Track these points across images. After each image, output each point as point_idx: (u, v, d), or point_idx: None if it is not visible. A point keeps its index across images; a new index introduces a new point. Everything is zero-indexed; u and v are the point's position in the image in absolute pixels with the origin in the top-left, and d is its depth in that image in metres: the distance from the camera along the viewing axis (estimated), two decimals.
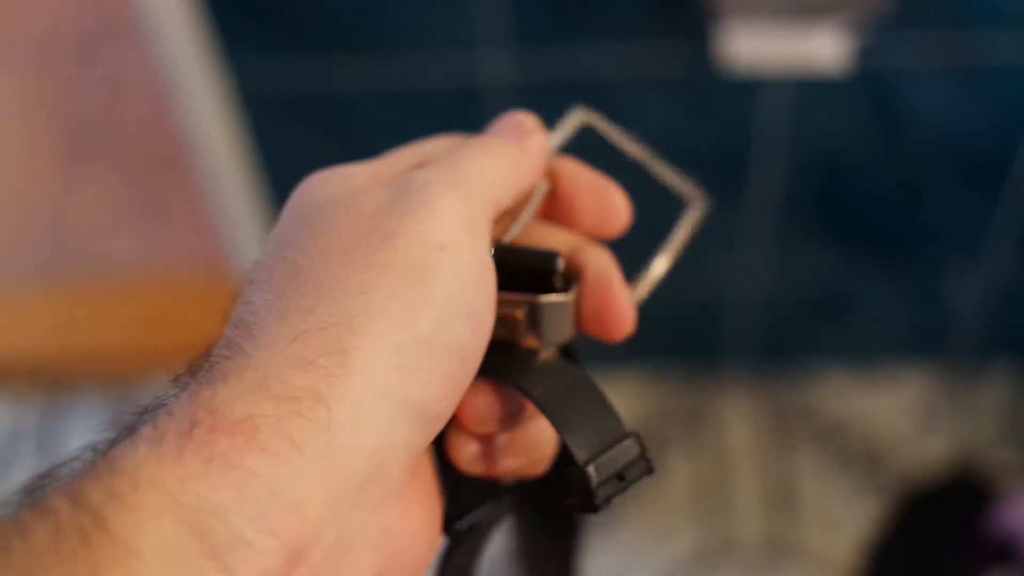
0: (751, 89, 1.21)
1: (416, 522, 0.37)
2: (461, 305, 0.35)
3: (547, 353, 0.41)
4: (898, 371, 1.65)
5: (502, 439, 0.41)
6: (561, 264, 0.40)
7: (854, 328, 1.59)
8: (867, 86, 1.21)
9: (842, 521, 1.53)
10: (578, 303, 0.42)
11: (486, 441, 0.41)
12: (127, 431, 0.32)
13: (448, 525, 0.40)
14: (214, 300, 1.56)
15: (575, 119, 0.46)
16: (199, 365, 0.34)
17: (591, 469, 0.36)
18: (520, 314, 0.40)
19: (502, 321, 0.40)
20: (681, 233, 0.47)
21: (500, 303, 0.39)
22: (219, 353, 0.34)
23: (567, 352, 0.43)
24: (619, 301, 0.41)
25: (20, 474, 1.59)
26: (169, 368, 0.36)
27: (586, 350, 0.45)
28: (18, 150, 1.94)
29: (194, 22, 1.15)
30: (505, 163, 0.40)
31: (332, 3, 1.15)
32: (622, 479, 0.37)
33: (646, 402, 1.64)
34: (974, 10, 1.14)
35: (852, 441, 1.60)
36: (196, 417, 0.31)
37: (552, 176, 0.44)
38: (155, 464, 0.30)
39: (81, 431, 1.64)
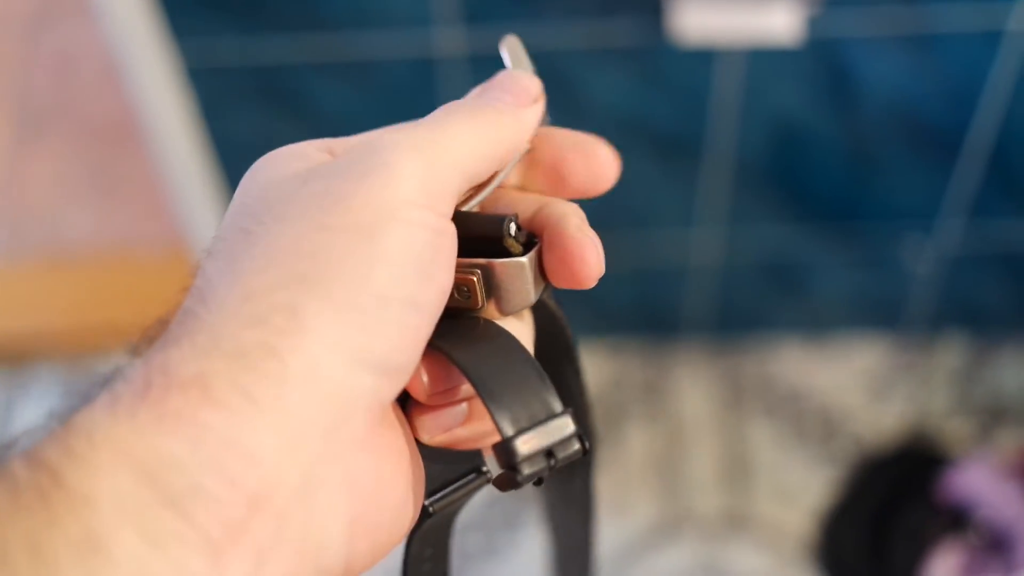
0: (704, 60, 1.21)
1: (388, 469, 0.37)
2: (414, 263, 0.35)
3: (504, 319, 0.40)
4: (852, 341, 1.66)
5: (459, 411, 0.40)
6: (512, 226, 0.39)
7: (809, 299, 1.60)
8: (819, 56, 1.22)
9: (798, 490, 1.54)
10: (540, 262, 0.40)
11: (442, 413, 0.40)
12: (84, 398, 0.32)
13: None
14: (169, 274, 1.55)
15: (513, 44, 0.45)
16: (155, 334, 0.34)
17: (516, 444, 0.35)
18: (475, 279, 0.39)
19: (460, 289, 0.39)
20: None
21: (457, 269, 0.38)
22: (173, 319, 0.34)
23: (545, 320, 0.43)
24: (578, 243, 0.39)
25: None
26: (126, 343, 0.36)
27: None
28: None
29: None
30: (493, 134, 0.39)
31: None
32: (551, 457, 0.36)
33: (603, 374, 1.65)
34: None
35: (807, 411, 1.61)
36: (150, 378, 0.31)
37: (532, 141, 0.42)
38: (111, 423, 0.30)
39: (39, 408, 1.63)
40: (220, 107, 1.28)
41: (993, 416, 1.60)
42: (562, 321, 0.43)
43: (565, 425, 0.36)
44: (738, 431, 1.60)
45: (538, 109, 0.42)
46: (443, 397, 0.39)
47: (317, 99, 1.27)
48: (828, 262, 1.53)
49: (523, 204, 0.42)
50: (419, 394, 0.39)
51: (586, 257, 0.39)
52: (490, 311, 0.40)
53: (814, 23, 1.16)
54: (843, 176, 1.39)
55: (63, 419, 0.32)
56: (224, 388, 0.31)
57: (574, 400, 0.44)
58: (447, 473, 0.41)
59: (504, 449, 0.35)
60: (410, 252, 0.35)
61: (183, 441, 0.30)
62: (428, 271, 0.35)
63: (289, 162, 0.37)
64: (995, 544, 1.40)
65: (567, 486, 0.49)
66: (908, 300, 1.59)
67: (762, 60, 1.21)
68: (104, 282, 1.73)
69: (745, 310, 1.62)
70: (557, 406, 0.36)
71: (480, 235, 0.39)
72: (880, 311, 1.63)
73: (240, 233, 0.35)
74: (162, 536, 0.29)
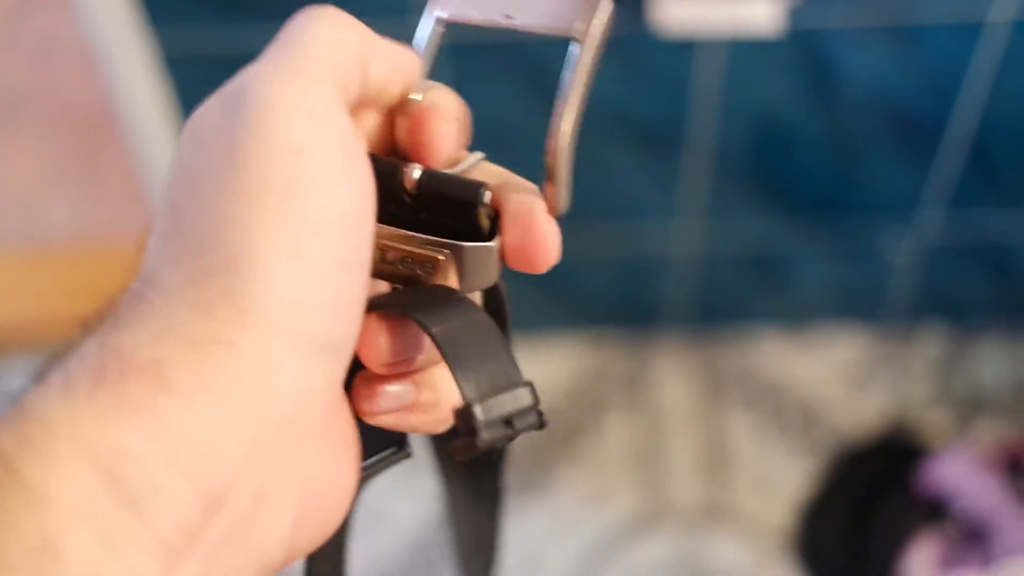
0: (684, 51, 1.21)
1: (334, 460, 0.37)
2: (337, 215, 0.34)
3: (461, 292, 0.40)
4: (832, 333, 1.66)
5: (405, 392, 0.40)
6: (487, 195, 0.39)
7: (789, 290, 1.60)
8: (800, 47, 1.22)
9: (777, 482, 1.54)
10: (501, 242, 0.40)
11: (397, 386, 0.40)
12: (40, 379, 0.32)
13: None
14: None
15: (430, 19, 0.45)
16: (106, 313, 0.34)
17: (477, 409, 0.35)
18: (442, 257, 0.39)
19: (423, 264, 0.40)
20: (580, 74, 0.41)
21: (423, 245, 0.39)
22: (124, 301, 0.33)
23: (491, 292, 0.43)
24: (545, 232, 0.39)
25: None
26: (78, 323, 0.36)
27: (525, 316, 0.44)
28: None
29: None
30: (354, 35, 0.38)
31: None
32: (510, 425, 0.36)
33: (583, 365, 1.65)
34: None
35: (787, 402, 1.61)
36: (104, 361, 0.31)
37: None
38: (67, 410, 0.30)
39: (12, 398, 1.62)
40: (199, 97, 1.25)
41: (972, 407, 1.61)
42: (506, 301, 0.44)
43: (525, 396, 0.37)
44: (718, 422, 1.60)
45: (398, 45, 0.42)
46: (395, 368, 0.39)
47: None
48: (808, 253, 1.53)
49: (481, 173, 0.41)
50: (372, 362, 0.38)
51: (550, 246, 0.39)
52: (447, 284, 0.40)
53: (795, 14, 1.16)
54: (823, 167, 1.39)
55: (18, 401, 0.31)
56: (180, 375, 0.31)
57: None
58: (367, 451, 0.41)
59: (465, 414, 0.35)
60: (327, 200, 0.34)
61: (141, 432, 0.30)
62: (349, 213, 0.34)
63: (200, 123, 0.36)
64: (973, 535, 1.41)
65: (478, 478, 0.50)
66: (888, 291, 1.59)
67: (743, 51, 1.21)
68: (81, 272, 1.72)
69: (726, 301, 1.62)
70: (519, 377, 0.37)
71: (451, 197, 0.39)
72: (860, 302, 1.64)
73: (169, 207, 0.34)
74: (117, 538, 0.29)
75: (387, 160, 0.40)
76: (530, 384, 0.37)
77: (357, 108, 0.39)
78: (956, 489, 1.43)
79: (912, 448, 1.54)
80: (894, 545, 1.43)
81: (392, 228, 0.39)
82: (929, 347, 1.66)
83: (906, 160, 1.37)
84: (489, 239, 0.40)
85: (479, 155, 0.42)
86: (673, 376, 1.64)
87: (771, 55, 1.22)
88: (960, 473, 1.44)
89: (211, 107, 0.36)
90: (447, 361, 0.36)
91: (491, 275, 0.40)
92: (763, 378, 1.64)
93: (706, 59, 1.22)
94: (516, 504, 1.50)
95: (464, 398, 0.36)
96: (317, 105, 0.34)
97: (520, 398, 0.37)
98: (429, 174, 0.39)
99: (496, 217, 0.40)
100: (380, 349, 0.38)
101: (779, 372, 1.64)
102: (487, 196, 0.39)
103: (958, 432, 1.58)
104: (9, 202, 1.81)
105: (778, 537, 1.50)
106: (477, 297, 0.43)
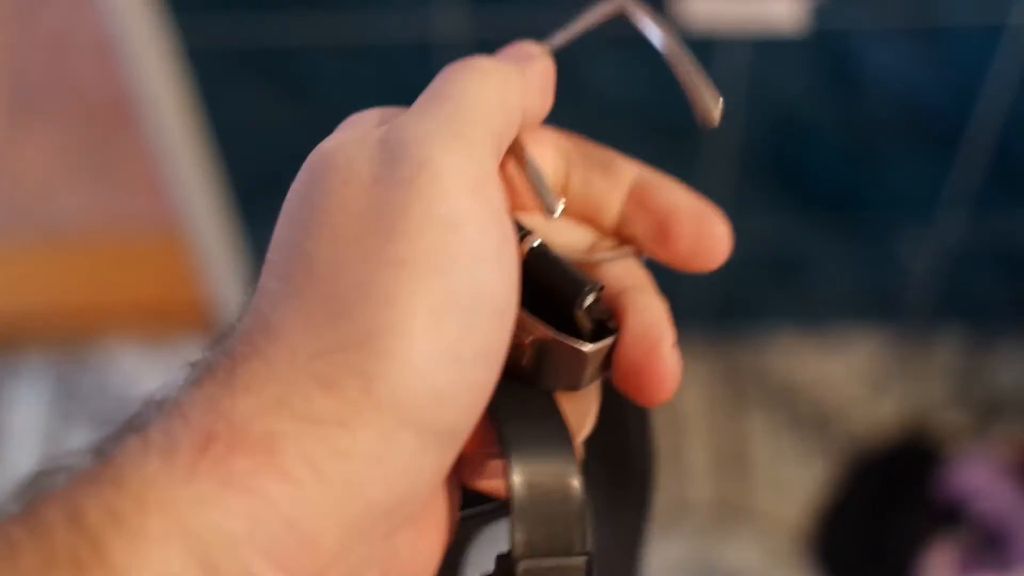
0: (707, 48, 1.20)
1: (426, 544, 0.35)
2: (486, 298, 0.32)
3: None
4: (850, 334, 1.66)
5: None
6: (589, 299, 0.35)
7: (807, 291, 1.60)
8: (823, 46, 1.21)
9: (793, 483, 1.54)
10: (609, 355, 0.36)
11: (494, 467, 0.37)
12: (134, 427, 0.30)
13: None
14: (163, 257, 1.53)
15: (608, 7, 0.42)
16: (217, 353, 0.32)
17: (521, 566, 0.33)
18: (527, 341, 0.35)
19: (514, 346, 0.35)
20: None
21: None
22: (238, 349, 0.31)
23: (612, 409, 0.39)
24: (666, 368, 0.35)
25: None
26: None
27: None
28: None
29: None
30: (499, 82, 0.35)
31: None
32: None
33: None
34: None
35: (804, 404, 1.61)
36: (213, 427, 0.29)
37: (638, 192, 0.39)
38: (165, 482, 0.28)
39: (28, 393, 1.63)
40: (217, 88, 1.27)
41: (990, 411, 1.60)
42: (632, 429, 0.40)
43: (576, 567, 0.34)
44: (734, 423, 1.60)
45: (542, 64, 0.39)
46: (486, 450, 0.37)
47: (315, 81, 1.26)
48: (827, 254, 1.53)
49: (612, 270, 0.38)
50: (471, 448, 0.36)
51: (666, 384, 0.36)
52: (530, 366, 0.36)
53: (818, 13, 1.16)
54: (844, 167, 1.39)
55: (108, 456, 0.29)
56: (293, 456, 0.29)
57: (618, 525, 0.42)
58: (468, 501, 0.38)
59: (503, 565, 0.33)
60: (480, 282, 0.32)
61: (243, 517, 0.28)
62: (499, 301, 0.32)
63: (344, 168, 0.33)
64: (991, 540, 1.41)
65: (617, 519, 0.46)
66: (907, 293, 1.59)
67: (765, 49, 1.20)
68: (97, 264, 1.73)
69: (743, 301, 1.62)
70: (581, 546, 0.34)
71: (550, 289, 0.35)
72: (879, 304, 1.63)
73: (296, 250, 0.32)
74: None
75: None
76: (588, 555, 0.34)
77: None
78: (973, 494, 1.42)
79: (929, 452, 1.53)
80: (911, 549, 1.43)
81: None
82: (947, 350, 1.65)
83: (927, 161, 1.37)
84: (592, 340, 0.35)
85: (629, 249, 0.38)
86: (689, 376, 1.64)
87: (793, 54, 1.22)
88: (978, 478, 1.43)
89: (359, 153, 0.33)
90: (509, 501, 0.33)
91: (579, 382, 0.36)
92: (780, 379, 1.63)
93: (728, 57, 1.21)
94: None
95: (511, 551, 0.33)
96: (477, 174, 0.32)
97: (570, 570, 0.34)
98: (540, 255, 0.36)
99: (609, 320, 0.36)
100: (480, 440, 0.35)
101: (796, 373, 1.64)
102: (588, 301, 0.35)
103: (976, 436, 1.58)
104: (25, 193, 1.81)
105: (794, 539, 1.50)
106: (593, 395, 0.38)
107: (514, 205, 0.38)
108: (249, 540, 0.27)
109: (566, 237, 0.39)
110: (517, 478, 0.33)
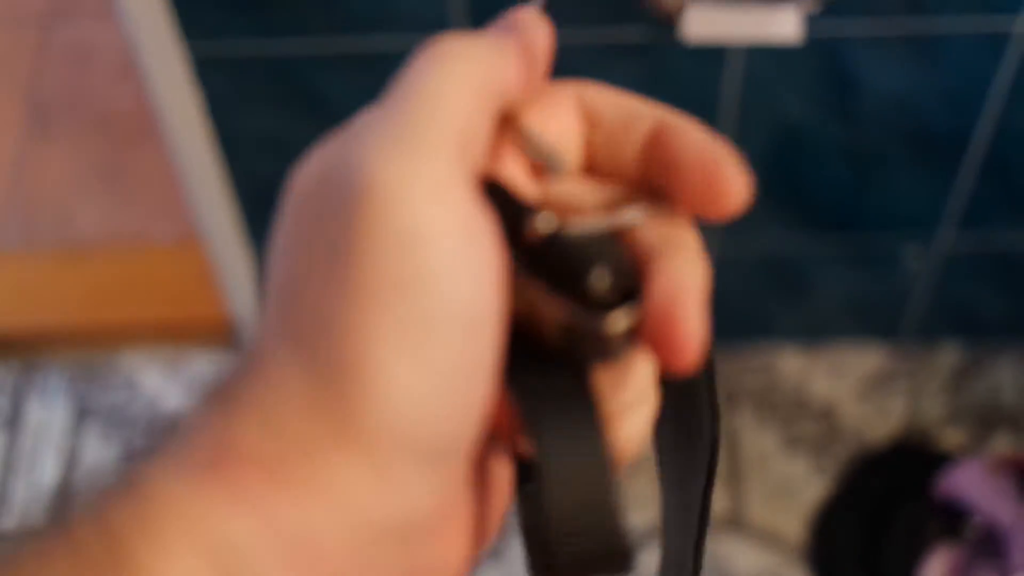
0: (706, 58, 1.21)
1: (451, 550, 0.34)
2: (459, 311, 0.30)
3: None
4: (849, 347, 1.67)
5: None
6: (598, 280, 0.33)
7: (806, 303, 1.60)
8: (820, 57, 1.22)
9: (792, 495, 1.55)
10: (639, 319, 0.33)
11: None
12: (155, 448, 0.31)
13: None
14: (180, 270, 1.55)
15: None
16: (229, 375, 0.32)
17: (562, 552, 0.32)
18: (551, 320, 0.33)
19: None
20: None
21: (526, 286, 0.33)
22: (245, 371, 0.31)
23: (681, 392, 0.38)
24: (684, 333, 0.32)
25: None
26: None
27: None
28: None
29: None
30: (466, 69, 0.33)
31: None
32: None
33: None
34: None
35: (803, 416, 1.62)
36: (218, 446, 0.30)
37: (653, 139, 0.36)
38: (183, 493, 0.29)
39: (47, 406, 1.65)
40: (232, 102, 1.29)
41: (988, 423, 1.61)
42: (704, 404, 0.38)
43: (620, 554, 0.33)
44: (735, 434, 1.61)
45: (531, 35, 0.36)
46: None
47: (329, 96, 1.28)
48: (826, 266, 1.54)
49: (650, 229, 0.35)
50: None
51: (687, 351, 0.32)
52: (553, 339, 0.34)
53: (817, 24, 1.16)
54: (842, 180, 1.39)
55: (128, 474, 0.30)
56: (293, 472, 0.30)
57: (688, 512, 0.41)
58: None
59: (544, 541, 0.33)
60: (455, 297, 0.30)
61: (256, 525, 0.29)
62: (479, 313, 0.31)
63: (300, 200, 0.32)
64: (989, 547, 1.40)
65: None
66: (906, 306, 1.60)
67: (762, 59, 1.21)
68: (114, 277, 1.73)
69: (743, 314, 1.63)
70: (622, 539, 0.34)
71: (563, 271, 0.33)
72: (877, 317, 1.63)
73: (273, 284, 0.32)
74: None
75: (514, 199, 0.34)
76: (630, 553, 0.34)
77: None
78: (972, 500, 1.42)
79: (928, 459, 1.53)
80: (909, 556, 1.43)
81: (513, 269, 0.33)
82: (946, 362, 1.66)
83: (926, 174, 1.37)
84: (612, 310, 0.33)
85: (656, 206, 0.36)
86: None
87: (791, 64, 1.22)
88: (977, 483, 1.43)
89: (311, 182, 0.32)
90: (544, 515, 0.32)
91: (610, 353, 0.34)
92: (780, 391, 1.64)
93: (727, 68, 1.23)
94: None
95: (547, 537, 0.33)
96: (435, 181, 0.31)
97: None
98: (548, 235, 0.34)
99: (635, 287, 0.34)
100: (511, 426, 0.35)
101: (796, 385, 1.64)
102: (598, 280, 0.33)
103: (974, 447, 1.58)
104: (43, 205, 1.83)
105: (794, 549, 1.50)
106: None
107: (537, 178, 0.36)
108: (265, 549, 0.29)
109: (596, 198, 0.36)
110: (550, 468, 0.32)
